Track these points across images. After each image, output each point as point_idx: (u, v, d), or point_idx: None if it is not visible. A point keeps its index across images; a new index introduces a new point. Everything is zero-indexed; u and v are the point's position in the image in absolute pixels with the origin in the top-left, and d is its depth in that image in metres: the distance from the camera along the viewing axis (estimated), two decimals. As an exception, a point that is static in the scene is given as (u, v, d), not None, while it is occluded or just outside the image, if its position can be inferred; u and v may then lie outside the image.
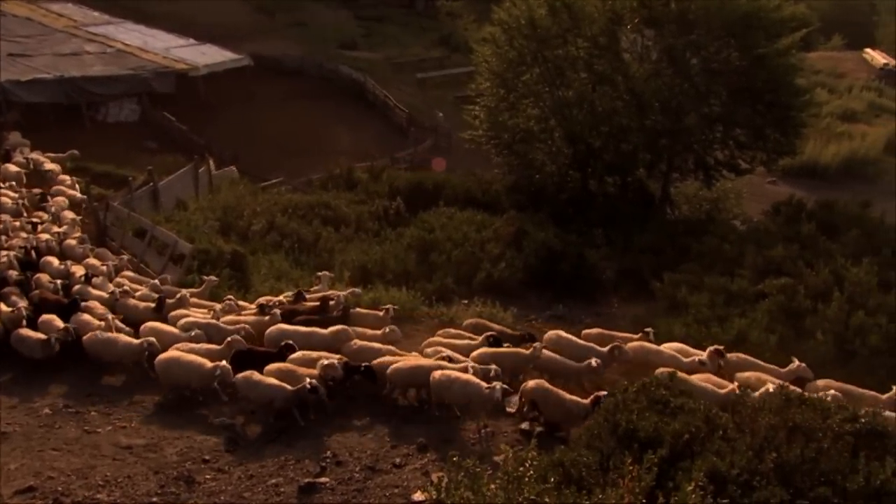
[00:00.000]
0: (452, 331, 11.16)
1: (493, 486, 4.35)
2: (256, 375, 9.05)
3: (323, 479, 7.81)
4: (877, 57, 43.01)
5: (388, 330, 10.58)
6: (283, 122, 32.13)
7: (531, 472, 4.23)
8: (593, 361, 9.40)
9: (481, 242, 17.11)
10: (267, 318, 11.11)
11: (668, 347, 10.34)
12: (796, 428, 6.12)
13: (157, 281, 13.10)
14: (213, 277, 13.34)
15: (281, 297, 12.42)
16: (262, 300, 12.05)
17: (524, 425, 9.06)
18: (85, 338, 10.37)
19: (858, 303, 12.01)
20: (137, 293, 12.56)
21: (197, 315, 11.51)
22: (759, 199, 23.13)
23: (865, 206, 17.78)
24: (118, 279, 13.39)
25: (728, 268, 14.37)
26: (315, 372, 9.11)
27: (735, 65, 19.15)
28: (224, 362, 9.26)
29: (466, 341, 10.42)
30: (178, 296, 12.08)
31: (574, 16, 19.68)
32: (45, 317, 11.09)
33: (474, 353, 9.78)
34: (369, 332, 10.75)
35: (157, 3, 42.58)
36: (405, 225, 19.02)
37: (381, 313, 11.49)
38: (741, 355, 9.96)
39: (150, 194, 19.60)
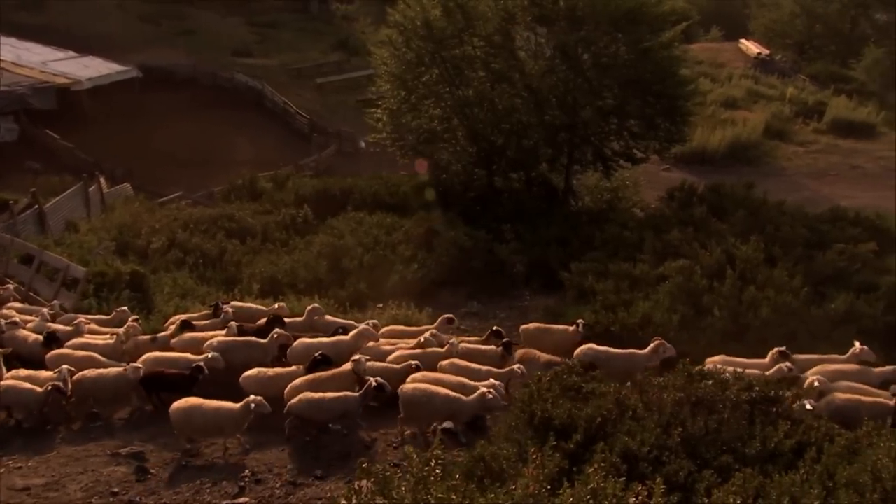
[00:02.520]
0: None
1: (402, 489, 4.36)
2: (313, 394, 8.61)
3: (242, 500, 7.58)
4: (751, 47, 45.84)
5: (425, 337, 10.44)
6: (179, 135, 30.93)
7: (437, 470, 4.27)
8: None
9: (392, 245, 17.09)
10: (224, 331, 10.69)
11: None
12: (699, 402, 6.45)
13: (45, 310, 12.28)
14: (124, 309, 12.42)
15: (196, 314, 12.04)
16: (178, 318, 11.60)
17: (447, 424, 9.12)
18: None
19: (749, 278, 12.70)
20: (29, 324, 11.75)
21: (98, 341, 10.91)
22: (656, 186, 24.13)
23: (749, 187, 18.83)
24: (4, 311, 12.47)
25: (630, 254, 14.90)
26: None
27: (624, 59, 19.86)
28: (259, 397, 8.32)
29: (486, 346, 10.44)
30: (75, 322, 11.40)
31: (468, 15, 19.90)
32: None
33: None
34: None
35: (29, 14, 40.06)
36: (314, 232, 18.77)
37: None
38: (799, 356, 9.64)
39: (36, 217, 18.45)
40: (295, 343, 10.20)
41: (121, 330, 11.07)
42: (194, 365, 9.38)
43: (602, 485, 4.05)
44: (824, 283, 12.83)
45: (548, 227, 17.87)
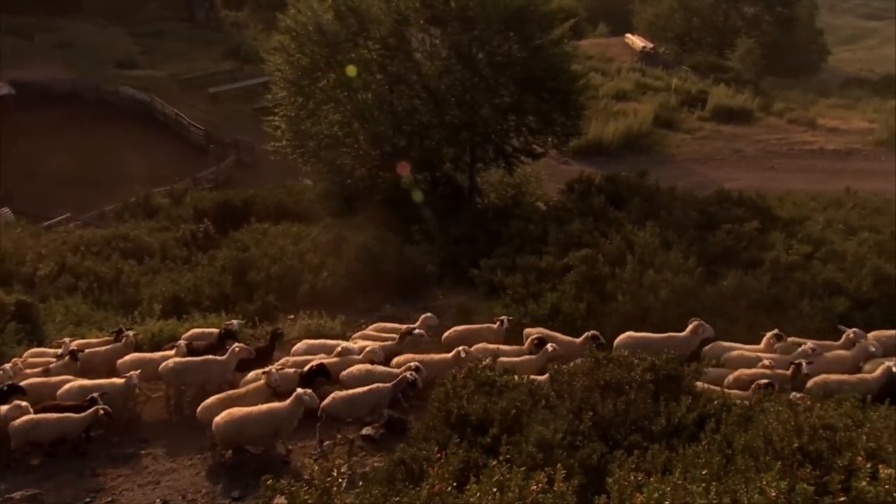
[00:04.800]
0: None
1: (308, 502, 4.32)
2: (345, 392, 8.63)
3: (155, 532, 7.24)
4: (636, 41, 47.97)
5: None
6: (62, 153, 29.16)
7: (339, 480, 4.26)
8: None
9: (300, 254, 16.77)
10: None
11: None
12: (607, 385, 6.69)
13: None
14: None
15: (94, 340, 11.44)
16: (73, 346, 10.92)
17: (366, 430, 9.06)
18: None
19: (648, 263, 13.30)
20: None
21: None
22: (557, 179, 24.78)
23: (643, 175, 19.67)
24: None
25: (536, 247, 15.26)
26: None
27: (517, 56, 20.27)
28: (309, 389, 8.37)
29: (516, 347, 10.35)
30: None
31: (361, 19, 19.77)
32: None
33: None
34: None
35: None
36: (216, 247, 18.22)
37: None
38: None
39: None
40: (297, 345, 10.30)
41: (7, 364, 10.35)
42: (89, 398, 8.91)
43: (507, 476, 4.14)
44: (715, 261, 13.59)
45: (455, 226, 18.05)
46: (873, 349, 9.37)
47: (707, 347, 10.20)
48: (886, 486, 3.86)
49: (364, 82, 20.34)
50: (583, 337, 10.48)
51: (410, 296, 15.65)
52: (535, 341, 10.04)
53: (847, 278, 12.94)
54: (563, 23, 20.99)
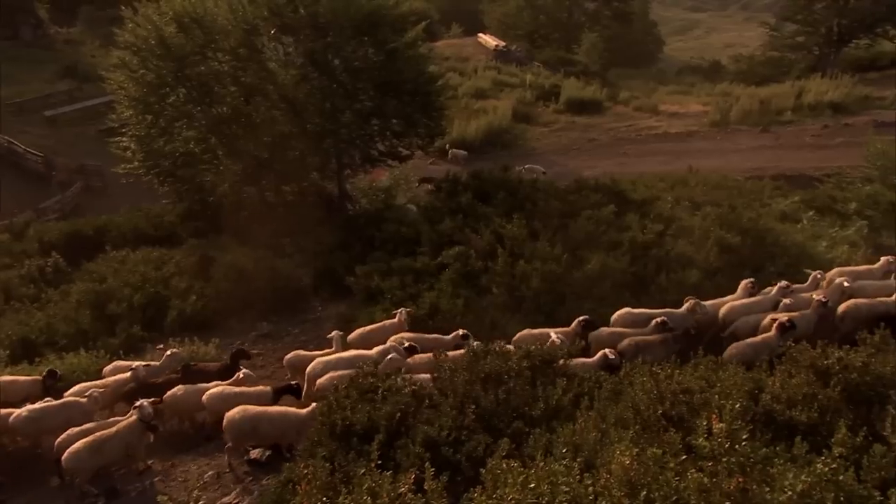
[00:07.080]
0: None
1: None
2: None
3: None
4: (489, 40, 49.49)
5: None
6: None
7: None
8: None
9: (164, 280, 16.00)
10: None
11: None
12: (487, 377, 6.85)
13: None
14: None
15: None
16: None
17: (253, 454, 8.78)
18: None
19: (517, 254, 13.76)
20: None
21: None
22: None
23: (506, 169, 20.26)
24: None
25: (410, 248, 15.40)
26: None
27: (373, 61, 20.27)
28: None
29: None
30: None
31: (207, 30, 18.97)
32: None
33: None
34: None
35: None
36: (69, 281, 17.00)
37: None
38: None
39: None
40: (313, 363, 9.90)
41: None
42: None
43: (378, 482, 4.15)
44: (579, 247, 14.24)
45: (328, 235, 17.82)
46: (847, 284, 10.44)
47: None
48: (719, 440, 4.25)
49: (217, 95, 19.60)
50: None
51: (287, 311, 15.31)
52: (582, 323, 10.02)
53: (696, 251, 13.98)
54: (416, 25, 21.22)
